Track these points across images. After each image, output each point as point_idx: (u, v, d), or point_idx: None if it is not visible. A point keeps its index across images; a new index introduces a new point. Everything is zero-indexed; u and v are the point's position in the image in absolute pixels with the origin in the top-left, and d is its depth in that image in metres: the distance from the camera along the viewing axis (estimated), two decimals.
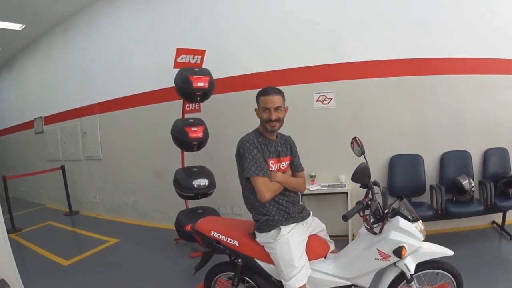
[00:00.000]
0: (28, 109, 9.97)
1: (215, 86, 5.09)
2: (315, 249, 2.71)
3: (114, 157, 7.39)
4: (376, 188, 2.62)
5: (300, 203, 2.90)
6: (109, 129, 7.43)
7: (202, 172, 5.04)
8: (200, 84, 4.80)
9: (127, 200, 7.18)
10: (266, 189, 2.56)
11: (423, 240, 2.51)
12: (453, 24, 4.81)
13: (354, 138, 2.85)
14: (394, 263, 2.50)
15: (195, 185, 4.80)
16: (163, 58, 5.61)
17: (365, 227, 2.58)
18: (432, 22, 4.83)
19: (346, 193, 4.74)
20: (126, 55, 6.90)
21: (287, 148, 2.88)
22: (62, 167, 8.19)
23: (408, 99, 4.97)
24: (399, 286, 2.58)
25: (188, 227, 4.47)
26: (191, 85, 4.75)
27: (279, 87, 2.75)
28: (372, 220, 2.58)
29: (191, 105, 5.47)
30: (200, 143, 4.98)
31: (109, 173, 7.54)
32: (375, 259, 2.49)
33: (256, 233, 2.73)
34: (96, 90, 7.53)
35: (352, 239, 4.26)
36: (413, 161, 4.88)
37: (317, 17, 5.16)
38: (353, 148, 2.86)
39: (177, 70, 4.95)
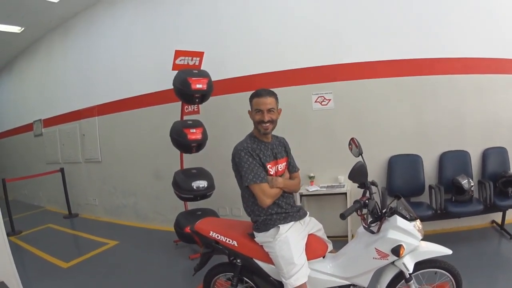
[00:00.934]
0: (27, 112, 9.97)
1: (214, 88, 5.11)
2: (313, 249, 2.72)
3: (114, 159, 7.39)
4: (373, 188, 2.63)
5: (297, 203, 2.91)
6: (108, 131, 7.42)
7: (201, 173, 5.03)
8: (199, 86, 4.81)
9: (127, 202, 7.17)
10: (266, 195, 2.58)
11: (422, 239, 2.52)
12: (452, 24, 4.82)
13: (352, 139, 2.86)
14: (393, 262, 2.51)
15: (194, 187, 4.80)
16: (163, 60, 5.61)
17: (363, 226, 2.59)
18: (431, 23, 4.84)
19: (345, 193, 4.73)
20: (126, 57, 6.90)
21: (283, 149, 2.89)
22: (61, 170, 8.19)
23: (407, 99, 4.97)
24: (398, 285, 2.59)
25: (187, 229, 4.48)
26: (189, 87, 4.76)
27: (278, 89, 2.76)
28: (370, 219, 2.58)
29: (190, 107, 5.48)
30: (199, 145, 4.99)
31: (109, 175, 7.54)
32: (373, 258, 2.49)
33: (255, 233, 2.73)
34: (95, 92, 7.53)
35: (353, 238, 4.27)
36: (412, 161, 4.88)
37: (316, 18, 5.17)
38: (351, 149, 2.87)
39: (175, 72, 4.96)
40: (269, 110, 2.63)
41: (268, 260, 2.69)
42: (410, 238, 2.44)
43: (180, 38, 6.05)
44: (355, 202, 2.51)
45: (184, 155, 5.27)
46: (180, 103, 5.20)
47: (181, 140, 4.88)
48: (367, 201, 2.50)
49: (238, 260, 2.84)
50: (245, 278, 2.93)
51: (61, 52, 8.48)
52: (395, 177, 4.89)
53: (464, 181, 4.45)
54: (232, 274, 2.89)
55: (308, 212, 2.93)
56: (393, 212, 2.51)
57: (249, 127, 2.82)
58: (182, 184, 4.84)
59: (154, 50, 6.43)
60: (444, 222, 4.79)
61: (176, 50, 4.98)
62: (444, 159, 4.87)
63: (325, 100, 5.14)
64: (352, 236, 4.65)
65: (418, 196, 4.83)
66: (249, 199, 2.73)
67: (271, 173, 2.70)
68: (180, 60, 5.02)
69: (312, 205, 5.13)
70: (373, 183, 2.68)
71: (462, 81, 4.86)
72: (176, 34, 6.16)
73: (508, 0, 4.85)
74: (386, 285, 2.59)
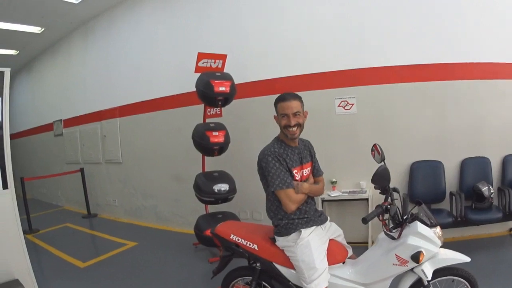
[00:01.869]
0: (48, 112, 10.11)
1: (237, 91, 5.12)
2: (333, 254, 2.72)
3: (134, 161, 7.44)
4: (395, 195, 2.65)
5: (319, 208, 2.93)
6: (129, 133, 7.49)
7: (223, 177, 5.04)
8: (222, 88, 4.83)
9: (147, 203, 7.22)
10: (292, 201, 2.60)
11: (441, 247, 2.53)
12: (475, 29, 4.78)
13: (375, 145, 2.89)
14: (412, 269, 2.51)
15: (216, 190, 4.81)
16: (185, 63, 5.65)
17: (384, 231, 2.60)
18: (454, 28, 4.81)
19: (367, 199, 4.72)
20: (148, 59, 6.96)
21: (308, 153, 2.89)
22: (81, 170, 8.30)
23: (429, 104, 4.94)
24: None
25: (208, 232, 4.51)
26: (212, 89, 4.77)
27: (301, 92, 2.76)
28: (391, 225, 2.59)
29: (212, 109, 5.48)
30: (221, 148, 5.00)
31: (129, 176, 7.59)
32: (393, 264, 2.50)
33: (276, 237, 2.74)
34: (116, 93, 7.60)
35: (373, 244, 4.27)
36: (433, 168, 4.85)
37: (340, 22, 5.17)
38: (373, 155, 2.89)
39: (198, 74, 4.99)
40: (295, 114, 2.61)
41: (288, 264, 2.71)
42: (430, 245, 2.45)
43: (202, 40, 6.07)
44: (377, 206, 2.52)
45: (206, 158, 5.29)
46: (202, 105, 5.24)
47: (204, 143, 4.88)
48: (389, 206, 2.51)
49: (258, 264, 2.86)
50: (263, 283, 2.94)
51: (81, 53, 8.59)
52: (416, 183, 4.87)
53: (485, 188, 4.43)
54: (251, 278, 2.91)
55: (328, 217, 2.94)
56: (414, 218, 2.52)
57: (272, 131, 2.84)
58: (203, 187, 4.85)
59: (176, 52, 6.48)
60: (463, 230, 4.77)
61: (199, 53, 5.01)
62: (465, 165, 4.83)
63: (348, 104, 5.14)
64: (372, 243, 4.64)
65: (439, 203, 4.80)
66: (274, 203, 2.74)
67: (297, 178, 2.70)
68: (203, 63, 5.05)
69: (334, 210, 5.13)
70: (395, 190, 2.69)
71: (483, 86, 4.82)
72: (199, 36, 6.18)
73: None
74: None
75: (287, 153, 2.68)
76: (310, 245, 2.58)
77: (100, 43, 8.01)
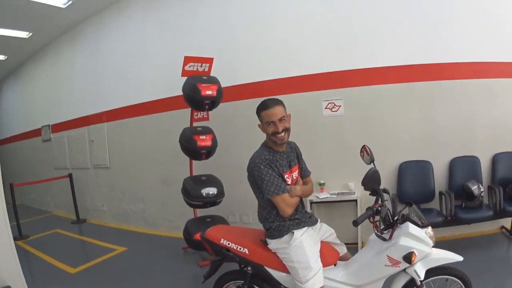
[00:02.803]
0: (36, 117, 10.02)
1: (224, 94, 5.11)
2: (325, 257, 2.71)
3: (122, 165, 7.40)
4: (385, 196, 2.63)
5: (308, 210, 2.93)
6: (117, 137, 7.44)
7: (211, 180, 5.02)
8: (209, 92, 4.81)
9: (135, 208, 7.18)
10: (288, 205, 2.60)
11: (433, 246, 2.52)
12: (462, 28, 4.80)
13: (364, 147, 2.88)
14: (404, 270, 2.50)
15: (204, 194, 4.79)
16: (172, 66, 5.59)
17: (375, 233, 2.60)
18: (441, 27, 4.83)
19: (356, 200, 4.71)
20: (135, 63, 6.92)
21: (295, 156, 2.89)
22: (70, 175, 8.24)
23: (417, 105, 4.96)
24: None
25: (197, 236, 4.49)
26: (199, 93, 4.76)
27: (288, 95, 2.76)
28: (382, 226, 2.59)
29: (199, 113, 5.46)
30: (208, 152, 4.98)
31: (117, 181, 7.54)
32: (385, 265, 2.49)
33: (268, 240, 2.73)
34: (104, 98, 7.55)
35: (362, 247, 4.25)
36: (422, 168, 4.86)
37: (327, 24, 5.17)
38: (362, 157, 2.89)
39: (185, 78, 4.96)
40: (281, 120, 2.59)
41: (280, 267, 2.70)
42: (422, 245, 2.45)
43: (190, 44, 6.05)
44: (368, 209, 2.51)
45: (194, 161, 5.26)
46: (189, 109, 5.21)
47: (191, 146, 4.86)
48: (379, 208, 2.50)
49: (249, 268, 2.83)
50: (255, 286, 2.91)
51: (69, 58, 8.52)
52: (405, 184, 4.87)
53: (474, 187, 4.44)
54: (242, 282, 2.89)
55: (318, 219, 2.93)
56: (405, 219, 2.51)
57: (259, 134, 2.81)
58: (191, 191, 4.83)
59: (164, 56, 6.44)
60: (453, 229, 4.76)
61: (185, 56, 4.98)
62: (454, 165, 4.84)
63: (335, 106, 5.13)
64: (363, 244, 4.64)
65: (428, 203, 4.81)
66: (266, 208, 2.73)
67: (288, 182, 2.70)
68: (190, 66, 5.02)
69: (322, 212, 5.12)
70: (385, 191, 2.68)
71: (471, 86, 4.84)
72: (186, 40, 6.16)
73: None
74: None
75: (276, 159, 2.67)
76: (304, 245, 2.58)
77: (88, 48, 7.95)
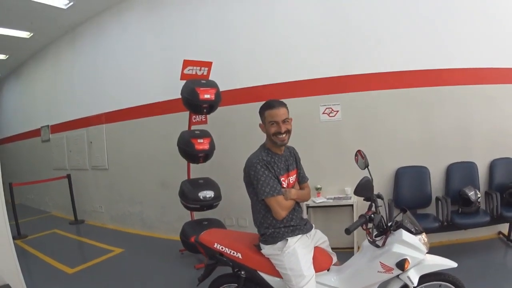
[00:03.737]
0: (35, 117, 10.03)
1: (222, 98, 5.12)
2: (318, 262, 2.72)
3: (120, 167, 7.40)
4: (379, 201, 2.63)
5: (304, 216, 2.94)
6: (115, 139, 7.45)
7: (208, 184, 5.03)
8: (207, 96, 4.82)
9: (133, 210, 7.16)
10: (282, 208, 2.59)
11: (427, 252, 2.52)
12: (459, 34, 4.81)
13: (359, 151, 2.88)
14: (397, 276, 2.50)
15: (201, 197, 4.80)
16: (172, 69, 5.58)
17: (368, 240, 2.60)
18: (438, 33, 4.84)
19: (352, 205, 4.72)
20: (134, 65, 6.92)
21: (293, 160, 2.89)
22: (68, 176, 8.23)
23: (415, 110, 4.97)
24: None
25: (193, 239, 4.49)
26: (197, 97, 4.76)
27: (286, 100, 2.76)
28: (375, 233, 2.59)
29: (197, 116, 5.45)
30: (206, 155, 4.98)
31: (115, 183, 7.54)
32: (378, 271, 2.50)
33: (262, 245, 2.73)
34: (103, 100, 7.55)
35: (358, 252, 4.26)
36: (419, 173, 4.87)
37: (325, 30, 5.17)
38: (357, 161, 2.89)
39: (184, 81, 4.98)
40: (284, 121, 2.61)
41: (273, 272, 2.70)
42: (415, 252, 2.45)
43: (189, 48, 6.06)
44: (361, 216, 2.52)
45: (192, 165, 5.26)
46: (188, 112, 5.21)
47: (189, 150, 4.87)
48: (372, 216, 2.50)
49: (243, 272, 2.84)
50: None
51: (69, 59, 8.53)
52: (402, 189, 4.88)
53: (471, 193, 4.44)
54: (236, 285, 2.90)
55: (313, 225, 2.94)
56: (399, 225, 2.52)
57: (257, 138, 2.83)
58: (188, 194, 4.84)
59: (163, 59, 6.45)
60: (450, 234, 4.77)
61: (185, 60, 4.99)
62: (451, 170, 4.85)
63: (332, 111, 5.15)
64: (358, 248, 4.62)
65: (424, 208, 4.81)
66: (261, 212, 2.72)
67: (284, 186, 2.70)
68: (189, 70, 5.02)
69: (319, 216, 5.13)
70: (379, 196, 2.68)
71: (469, 91, 4.84)
72: (185, 43, 6.16)
73: None
74: None
75: (274, 161, 2.67)
76: (297, 253, 2.58)
77: (88, 49, 7.95)
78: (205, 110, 4.95)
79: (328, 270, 2.77)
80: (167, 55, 6.36)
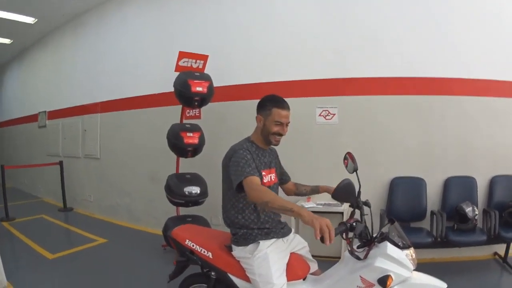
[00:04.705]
0: (34, 103, 10.10)
1: (217, 94, 5.01)
2: (294, 269, 2.50)
3: (112, 158, 7.34)
4: (366, 209, 2.44)
5: (282, 220, 2.73)
6: (109, 129, 7.41)
7: (195, 179, 4.91)
8: (199, 88, 4.69)
9: (121, 201, 7.09)
10: (255, 189, 2.22)
11: (414, 269, 2.29)
12: (463, 43, 4.66)
13: (348, 153, 2.64)
14: None
15: (186, 192, 4.67)
16: (168, 62, 5.43)
17: (348, 250, 2.37)
18: (442, 41, 4.68)
19: (342, 213, 4.49)
20: (133, 56, 6.89)
21: (274, 158, 2.80)
22: (60, 163, 8.20)
23: (414, 119, 4.78)
24: None
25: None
26: (189, 89, 4.64)
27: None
28: (358, 244, 2.38)
29: (191, 111, 5.37)
30: (195, 150, 4.87)
31: (106, 173, 7.49)
32: (357, 286, 2.26)
33: (233, 246, 2.55)
34: (100, 89, 7.54)
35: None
36: (415, 185, 4.68)
37: (324, 31, 5.05)
38: (346, 164, 2.64)
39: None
40: (287, 124, 2.55)
41: (244, 276, 2.50)
42: (400, 268, 2.21)
43: (187, 41, 5.92)
44: (341, 224, 2.28)
45: (182, 160, 5.16)
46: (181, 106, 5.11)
47: (177, 143, 4.76)
48: (354, 224, 2.28)
49: (213, 273, 2.66)
50: None
51: (70, 47, 8.57)
52: (396, 200, 4.68)
53: (469, 209, 4.25)
54: (206, 286, 2.74)
55: (292, 229, 2.77)
56: (384, 238, 2.29)
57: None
58: (174, 188, 4.72)
59: (161, 52, 6.39)
60: (443, 251, 4.56)
61: (180, 52, 4.88)
62: (449, 184, 4.66)
63: (329, 114, 4.99)
64: None
65: (419, 222, 4.61)
66: (234, 208, 2.54)
67: (264, 181, 2.54)
68: (184, 62, 4.91)
69: None
70: (366, 204, 2.50)
71: (472, 103, 4.68)
72: (184, 37, 6.10)
73: None
74: None
75: (257, 154, 2.56)
76: (268, 258, 2.38)
77: (89, 38, 7.96)
78: (196, 103, 4.80)
79: (304, 279, 2.57)
80: (165, 48, 6.30)
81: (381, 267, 2.19)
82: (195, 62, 5.02)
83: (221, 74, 5.31)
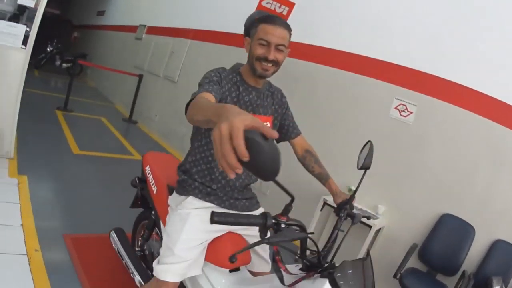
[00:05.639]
0: (137, 15, 10.30)
1: (301, 52, 4.54)
2: (219, 253, 1.91)
3: (187, 86, 7.10)
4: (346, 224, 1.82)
5: (252, 192, 2.15)
6: (194, 57, 7.30)
7: None
8: None
9: (178, 130, 7.00)
10: (193, 103, 1.44)
11: None
12: None
13: (370, 142, 1.94)
14: None
15: None
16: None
17: (273, 261, 1.60)
18: None
19: (371, 227, 3.72)
20: None
21: (272, 104, 2.09)
22: (140, 76, 8.34)
23: (500, 156, 3.59)
24: None
25: None
26: None
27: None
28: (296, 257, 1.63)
29: None
30: None
31: (177, 98, 7.34)
32: None
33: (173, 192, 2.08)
34: (197, 16, 7.42)
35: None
36: (462, 231, 3.64)
37: (428, 10, 4.01)
38: (359, 153, 1.94)
39: None
40: (277, 47, 1.80)
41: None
42: None
43: None
44: (262, 214, 1.43)
45: None
46: None
47: None
48: (282, 225, 1.44)
49: (153, 212, 2.31)
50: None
51: None
52: (436, 240, 3.72)
53: (497, 287, 3.22)
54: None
55: (261, 207, 2.18)
56: (330, 274, 1.42)
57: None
58: None
59: None
60: None
61: None
62: (495, 247, 3.54)
63: (406, 110, 4.03)
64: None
65: (449, 276, 3.63)
66: (189, 156, 2.03)
67: None
68: (267, 3, 4.56)
69: (332, 216, 4.31)
70: (352, 216, 1.91)
71: None
72: None
73: None
74: None
75: (239, 91, 1.93)
76: (186, 221, 1.85)
77: None
78: None
79: (232, 271, 1.97)
80: None
81: None
82: (280, 7, 4.61)
83: (301, 29, 4.33)
